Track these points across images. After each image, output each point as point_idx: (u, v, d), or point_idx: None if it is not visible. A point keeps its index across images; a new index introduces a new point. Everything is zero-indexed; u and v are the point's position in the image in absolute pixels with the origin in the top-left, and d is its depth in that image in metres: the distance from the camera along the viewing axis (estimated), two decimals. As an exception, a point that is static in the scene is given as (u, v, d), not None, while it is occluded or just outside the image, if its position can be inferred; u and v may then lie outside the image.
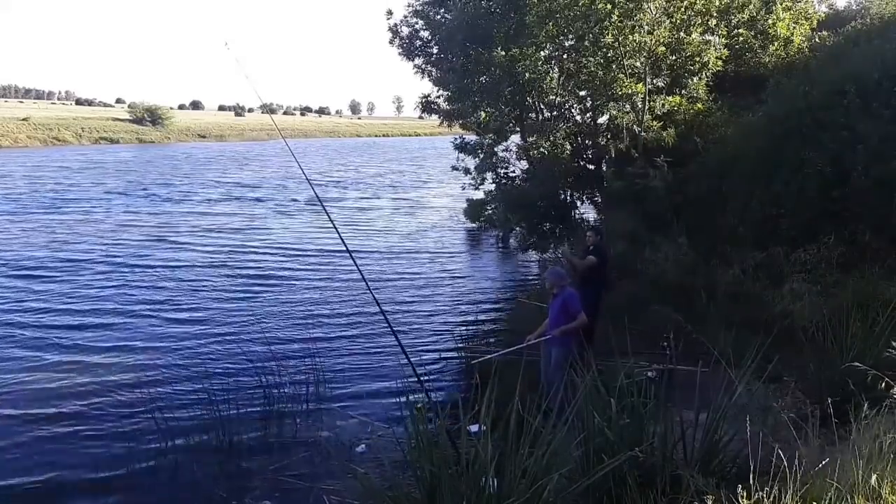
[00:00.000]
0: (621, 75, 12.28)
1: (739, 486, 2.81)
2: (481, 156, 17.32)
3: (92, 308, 11.34)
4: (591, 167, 15.06)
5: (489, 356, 6.92)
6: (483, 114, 15.74)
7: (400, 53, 17.54)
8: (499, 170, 16.99)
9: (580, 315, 6.54)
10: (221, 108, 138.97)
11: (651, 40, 11.86)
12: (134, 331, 10.21)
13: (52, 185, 28.41)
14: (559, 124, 14.79)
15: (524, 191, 14.87)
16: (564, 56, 13.09)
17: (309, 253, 16.67)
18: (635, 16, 11.72)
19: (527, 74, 13.08)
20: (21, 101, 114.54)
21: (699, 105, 12.56)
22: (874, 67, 9.22)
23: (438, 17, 16.81)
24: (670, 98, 12.53)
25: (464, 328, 10.47)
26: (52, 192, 26.33)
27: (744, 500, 2.68)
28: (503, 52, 13.20)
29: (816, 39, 13.71)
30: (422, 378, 4.69)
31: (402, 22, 17.51)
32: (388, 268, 15.22)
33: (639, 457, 3.82)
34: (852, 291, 7.01)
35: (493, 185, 17.53)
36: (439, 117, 18.53)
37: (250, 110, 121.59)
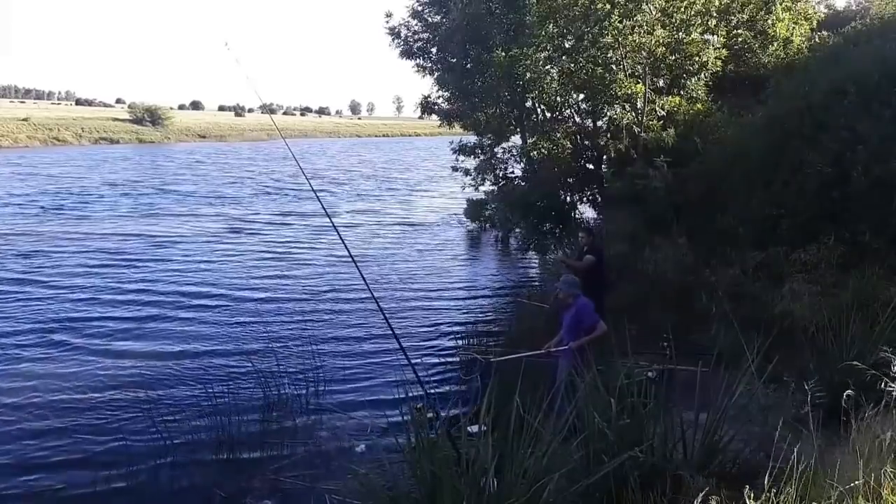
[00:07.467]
0: (621, 75, 12.29)
1: (747, 486, 2.81)
2: (481, 157, 17.37)
3: (90, 310, 11.34)
4: (591, 167, 15.06)
5: (509, 356, 6.73)
6: (482, 115, 15.77)
7: (400, 55, 17.58)
8: (497, 171, 17.04)
9: (599, 324, 6.25)
10: (221, 108, 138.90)
11: (651, 41, 11.87)
12: (133, 332, 10.19)
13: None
14: (559, 125, 14.80)
15: (524, 191, 14.89)
16: (564, 57, 13.09)
17: (309, 254, 16.66)
18: (634, 16, 11.73)
19: (527, 75, 13.08)
20: (21, 102, 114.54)
21: (699, 105, 12.56)
22: (874, 67, 9.21)
23: (437, 19, 16.85)
24: (670, 98, 12.54)
25: (464, 328, 10.49)
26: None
27: (751, 500, 2.68)
28: (503, 53, 13.19)
29: (816, 39, 13.71)
30: (422, 378, 4.68)
31: (400, 24, 17.55)
32: (387, 268, 15.21)
33: (639, 457, 3.82)
34: (852, 291, 6.99)
35: (493, 185, 17.56)
36: (439, 118, 18.56)
37: (250, 110, 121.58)
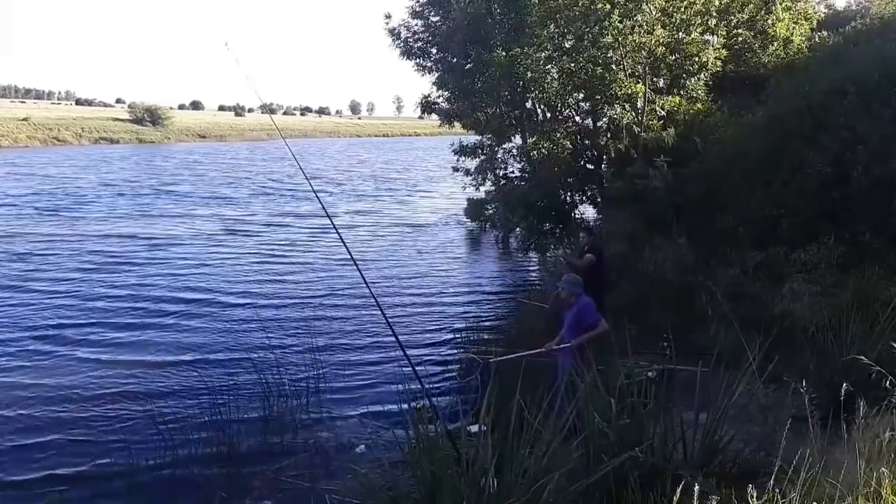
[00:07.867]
0: (621, 75, 12.29)
1: (750, 485, 2.80)
2: (482, 156, 17.35)
3: (90, 313, 11.33)
4: (591, 167, 15.07)
5: (509, 356, 6.71)
6: (482, 115, 15.76)
7: (400, 55, 17.56)
8: (497, 171, 17.03)
9: (601, 323, 6.21)
10: (221, 108, 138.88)
11: (651, 40, 11.87)
12: (130, 336, 10.15)
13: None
14: (559, 125, 14.80)
15: (524, 191, 14.88)
16: (564, 57, 13.09)
17: (307, 255, 16.65)
18: (634, 16, 11.73)
19: (528, 74, 13.08)
20: (21, 102, 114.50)
21: (699, 105, 12.57)
22: (874, 67, 9.22)
23: (437, 18, 16.84)
24: (670, 98, 12.54)
25: (464, 328, 10.47)
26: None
27: (755, 499, 2.68)
28: (503, 53, 13.19)
29: (816, 39, 13.72)
30: (422, 378, 4.67)
31: (400, 24, 17.53)
32: (387, 269, 15.20)
33: (639, 457, 3.81)
34: (852, 291, 7.00)
35: (493, 185, 17.55)
36: (439, 117, 18.55)
37: (250, 110, 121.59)
